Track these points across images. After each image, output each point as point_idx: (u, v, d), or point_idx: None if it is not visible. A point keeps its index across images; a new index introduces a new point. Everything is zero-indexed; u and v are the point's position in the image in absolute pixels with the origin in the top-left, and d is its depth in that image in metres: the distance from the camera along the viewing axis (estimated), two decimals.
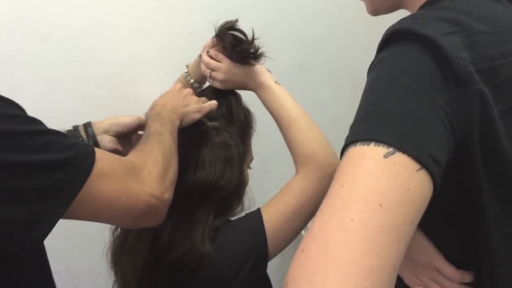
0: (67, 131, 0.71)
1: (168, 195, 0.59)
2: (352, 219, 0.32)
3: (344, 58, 1.42)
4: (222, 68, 0.79)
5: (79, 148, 0.48)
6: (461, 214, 0.48)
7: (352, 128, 0.40)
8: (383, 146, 0.36)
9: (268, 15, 1.24)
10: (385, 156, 0.35)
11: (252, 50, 0.78)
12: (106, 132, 0.74)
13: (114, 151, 0.73)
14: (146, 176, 0.55)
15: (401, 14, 0.54)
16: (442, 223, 0.51)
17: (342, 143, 0.39)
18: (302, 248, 0.34)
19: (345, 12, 1.38)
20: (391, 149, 0.35)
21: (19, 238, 0.44)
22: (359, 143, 0.37)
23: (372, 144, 0.36)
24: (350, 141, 0.38)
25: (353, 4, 1.37)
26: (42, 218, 0.45)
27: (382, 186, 0.34)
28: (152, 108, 0.73)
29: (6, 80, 0.89)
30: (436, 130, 0.38)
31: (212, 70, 0.80)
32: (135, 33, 1.05)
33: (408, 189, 0.34)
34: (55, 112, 0.94)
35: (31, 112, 0.49)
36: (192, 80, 0.87)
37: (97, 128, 0.74)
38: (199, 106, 0.75)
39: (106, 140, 0.73)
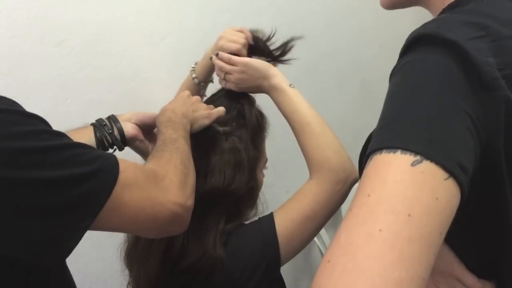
0: (91, 124, 0.72)
1: (190, 202, 0.58)
2: (380, 230, 0.32)
3: (354, 63, 1.42)
4: (237, 71, 0.79)
5: (103, 160, 0.48)
6: (484, 221, 0.47)
7: (376, 135, 0.39)
8: (410, 154, 0.35)
9: (278, 20, 1.24)
10: (413, 164, 0.34)
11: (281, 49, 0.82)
12: (128, 120, 0.75)
13: (135, 137, 0.74)
14: (169, 184, 0.55)
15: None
16: (464, 231, 0.50)
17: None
18: (328, 258, 0.33)
19: (355, 16, 1.37)
20: (418, 157, 0.35)
21: (49, 251, 0.45)
22: (384, 150, 0.36)
23: (399, 152, 0.35)
24: (375, 149, 0.37)
25: (363, 8, 1.37)
26: (70, 231, 0.45)
27: (410, 196, 0.33)
28: (162, 113, 0.73)
29: (21, 84, 0.90)
30: (463, 137, 0.37)
31: (226, 73, 0.80)
32: (147, 38, 1.05)
33: (436, 198, 0.34)
34: (69, 116, 0.95)
35: (45, 115, 0.49)
36: (194, 75, 0.86)
37: (119, 117, 0.75)
38: (208, 112, 0.75)
39: (128, 126, 0.74)
